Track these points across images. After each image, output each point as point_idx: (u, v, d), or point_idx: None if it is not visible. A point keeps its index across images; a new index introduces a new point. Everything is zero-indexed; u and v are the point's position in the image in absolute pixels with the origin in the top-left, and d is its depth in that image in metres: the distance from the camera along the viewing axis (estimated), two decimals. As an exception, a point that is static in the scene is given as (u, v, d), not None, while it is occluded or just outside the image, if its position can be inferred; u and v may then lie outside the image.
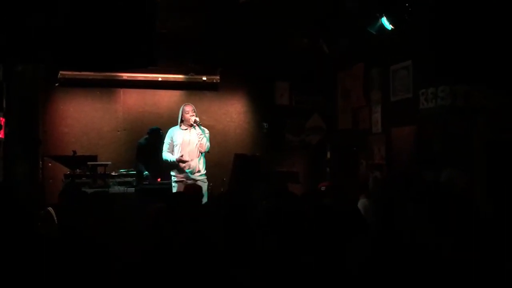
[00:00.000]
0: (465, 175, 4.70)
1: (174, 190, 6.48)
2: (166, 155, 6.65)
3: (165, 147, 6.69)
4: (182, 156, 6.51)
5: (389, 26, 6.28)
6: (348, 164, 7.84)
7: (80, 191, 4.94)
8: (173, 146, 6.64)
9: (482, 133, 5.60)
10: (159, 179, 7.11)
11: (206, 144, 6.61)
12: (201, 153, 6.63)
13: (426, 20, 6.02)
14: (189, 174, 6.53)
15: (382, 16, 6.28)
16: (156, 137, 7.22)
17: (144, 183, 7.03)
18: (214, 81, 8.27)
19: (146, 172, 7.21)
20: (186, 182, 6.38)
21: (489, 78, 5.53)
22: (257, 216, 3.39)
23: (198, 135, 6.58)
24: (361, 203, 5.15)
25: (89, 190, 5.55)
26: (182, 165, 6.53)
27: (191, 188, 5.21)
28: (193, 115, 6.60)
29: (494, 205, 4.79)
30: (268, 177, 7.49)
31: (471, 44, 5.59)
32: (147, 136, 7.48)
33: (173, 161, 6.59)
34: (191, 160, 6.55)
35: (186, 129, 6.62)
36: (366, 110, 7.59)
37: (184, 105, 6.74)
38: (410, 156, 6.49)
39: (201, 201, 4.88)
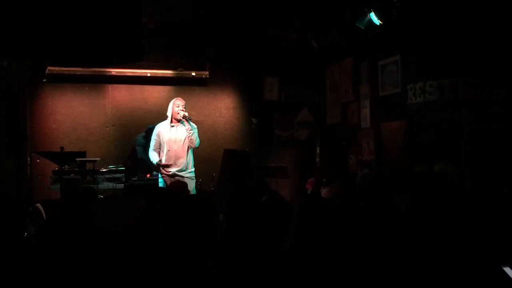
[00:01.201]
0: (456, 169, 4.72)
1: (161, 185, 6.45)
2: (151, 155, 6.56)
3: (152, 144, 6.58)
4: (160, 161, 6.43)
5: (377, 21, 6.30)
6: (337, 159, 7.86)
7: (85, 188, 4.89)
8: (160, 143, 6.52)
9: (468, 125, 5.64)
10: (148, 175, 7.09)
11: (196, 140, 6.52)
12: (189, 150, 6.54)
13: (414, 14, 6.04)
14: (177, 172, 6.43)
15: (371, 11, 6.29)
16: None
17: (133, 178, 7.01)
18: (203, 76, 8.25)
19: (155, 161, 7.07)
20: (174, 178, 6.34)
21: (475, 70, 5.56)
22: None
23: (188, 131, 6.44)
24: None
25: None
26: (162, 170, 6.44)
27: (175, 185, 5.18)
28: (182, 110, 6.49)
29: (482, 197, 4.83)
30: (257, 172, 7.50)
31: (458, 36, 5.62)
32: (144, 133, 7.43)
33: (154, 164, 6.52)
34: (178, 158, 6.44)
35: (174, 125, 6.50)
36: (355, 104, 7.61)
37: (175, 99, 6.64)
38: (400, 150, 6.52)
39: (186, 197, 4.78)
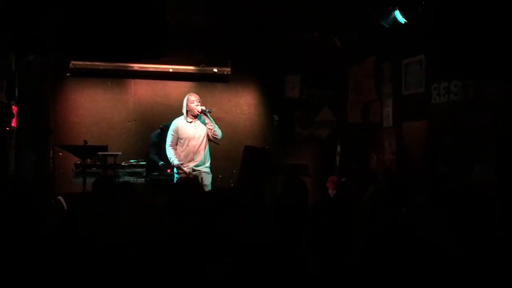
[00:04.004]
0: (492, 173, 4.64)
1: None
2: (169, 153, 6.50)
3: (169, 139, 6.51)
4: (182, 164, 6.39)
5: (402, 20, 6.23)
6: (358, 158, 7.81)
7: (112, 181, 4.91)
8: (177, 139, 6.46)
9: (492, 126, 5.56)
10: (168, 170, 7.11)
11: (218, 131, 6.44)
12: (207, 145, 6.46)
13: (438, 14, 5.96)
14: (194, 167, 6.40)
15: (395, 9, 6.24)
16: None
17: (154, 173, 7.04)
18: (225, 73, 8.25)
19: (162, 162, 7.15)
20: (191, 174, 6.31)
21: (501, 72, 5.47)
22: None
23: (209, 125, 6.39)
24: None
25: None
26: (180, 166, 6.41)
27: (187, 179, 5.16)
28: (198, 105, 6.41)
29: (505, 200, 4.74)
30: (278, 169, 7.47)
31: (483, 37, 5.53)
32: (159, 131, 7.46)
33: (171, 163, 6.48)
34: (196, 154, 6.39)
35: (191, 121, 6.44)
36: (377, 103, 7.55)
37: (189, 95, 6.57)
38: (422, 151, 6.46)
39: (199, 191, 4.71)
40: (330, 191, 5.93)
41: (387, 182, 4.55)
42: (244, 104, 8.53)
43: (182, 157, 6.44)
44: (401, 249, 2.63)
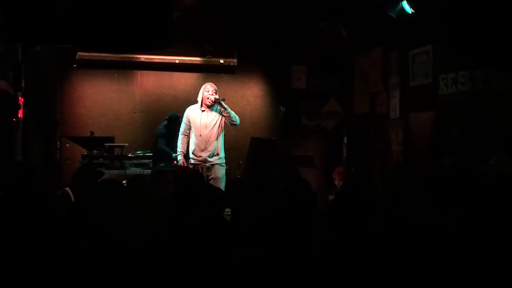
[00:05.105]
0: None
1: None
2: (179, 141, 6.43)
3: (182, 128, 6.44)
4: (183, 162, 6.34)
5: (409, 10, 6.20)
6: (364, 149, 7.78)
7: (95, 171, 4.94)
8: (190, 127, 6.36)
9: (500, 117, 5.52)
10: (175, 161, 7.11)
11: (235, 117, 6.29)
12: (221, 135, 6.35)
13: (446, 4, 5.92)
14: (207, 158, 6.27)
15: (403, 0, 6.20)
16: (176, 123, 7.12)
17: (160, 164, 7.05)
18: (231, 64, 8.24)
19: (175, 154, 7.11)
20: (204, 165, 6.29)
21: (509, 62, 5.43)
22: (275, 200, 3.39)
23: (224, 113, 6.25)
24: None
25: (106, 172, 5.64)
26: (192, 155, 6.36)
27: (184, 170, 5.10)
28: (213, 95, 6.27)
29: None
30: (283, 161, 7.47)
31: (490, 28, 5.49)
32: (166, 122, 7.44)
33: (177, 153, 6.45)
34: (209, 143, 6.26)
35: (204, 110, 6.31)
36: (384, 94, 7.51)
37: (206, 84, 6.43)
38: (429, 142, 6.43)
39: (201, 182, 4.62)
40: (336, 183, 5.91)
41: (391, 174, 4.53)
42: (250, 95, 8.52)
43: (194, 146, 6.34)
44: (401, 241, 2.62)
